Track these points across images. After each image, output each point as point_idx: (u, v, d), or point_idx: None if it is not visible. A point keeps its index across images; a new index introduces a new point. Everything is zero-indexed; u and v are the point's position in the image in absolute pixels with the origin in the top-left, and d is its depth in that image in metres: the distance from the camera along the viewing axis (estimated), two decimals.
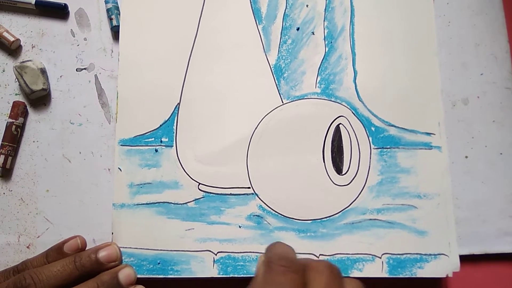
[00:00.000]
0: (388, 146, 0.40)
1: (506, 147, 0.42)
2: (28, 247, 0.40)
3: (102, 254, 0.36)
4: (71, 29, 0.43)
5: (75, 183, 0.41)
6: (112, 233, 0.38)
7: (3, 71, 0.43)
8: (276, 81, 0.41)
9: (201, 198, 0.39)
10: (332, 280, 0.28)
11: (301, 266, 0.29)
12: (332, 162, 0.39)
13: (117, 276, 0.35)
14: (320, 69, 0.41)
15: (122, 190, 0.39)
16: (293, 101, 0.40)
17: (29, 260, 0.36)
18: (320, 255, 0.37)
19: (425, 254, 0.38)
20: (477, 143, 0.42)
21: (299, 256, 0.37)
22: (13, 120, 0.41)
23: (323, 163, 0.39)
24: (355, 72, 0.41)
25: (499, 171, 0.41)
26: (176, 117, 0.40)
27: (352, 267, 0.37)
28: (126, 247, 0.37)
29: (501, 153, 0.41)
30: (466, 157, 0.41)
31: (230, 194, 0.39)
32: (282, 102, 0.40)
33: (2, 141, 0.41)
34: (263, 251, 0.37)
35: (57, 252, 0.36)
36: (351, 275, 0.37)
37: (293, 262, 0.29)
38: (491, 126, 0.42)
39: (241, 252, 0.38)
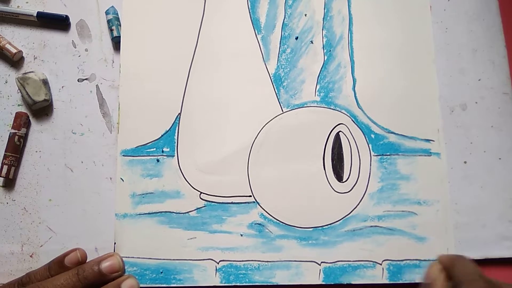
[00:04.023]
0: (388, 153, 0.40)
1: (505, 152, 0.42)
2: (31, 256, 0.40)
3: (104, 265, 0.36)
4: (72, 40, 0.44)
5: (77, 192, 0.41)
6: (115, 243, 0.38)
7: (6, 82, 0.43)
8: (275, 90, 0.41)
9: (203, 207, 0.39)
10: None
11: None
12: (333, 170, 0.39)
13: None
14: (319, 78, 0.41)
15: (124, 200, 0.39)
16: (293, 109, 0.41)
17: (33, 273, 0.36)
18: (321, 262, 0.38)
19: (424, 260, 0.38)
20: (476, 148, 0.42)
21: (302, 264, 0.38)
22: (16, 131, 0.41)
23: (324, 171, 0.39)
24: (354, 80, 0.41)
25: (498, 176, 0.41)
26: (177, 127, 0.40)
27: (354, 274, 0.38)
28: (128, 257, 0.38)
29: (499, 158, 0.42)
30: (465, 162, 0.42)
31: (232, 203, 0.39)
32: (282, 110, 0.41)
33: (5, 152, 0.41)
34: (265, 260, 0.38)
35: (58, 266, 0.36)
36: (352, 282, 0.37)
37: (494, 284, 0.33)
38: (489, 131, 0.42)
39: (243, 261, 0.38)
